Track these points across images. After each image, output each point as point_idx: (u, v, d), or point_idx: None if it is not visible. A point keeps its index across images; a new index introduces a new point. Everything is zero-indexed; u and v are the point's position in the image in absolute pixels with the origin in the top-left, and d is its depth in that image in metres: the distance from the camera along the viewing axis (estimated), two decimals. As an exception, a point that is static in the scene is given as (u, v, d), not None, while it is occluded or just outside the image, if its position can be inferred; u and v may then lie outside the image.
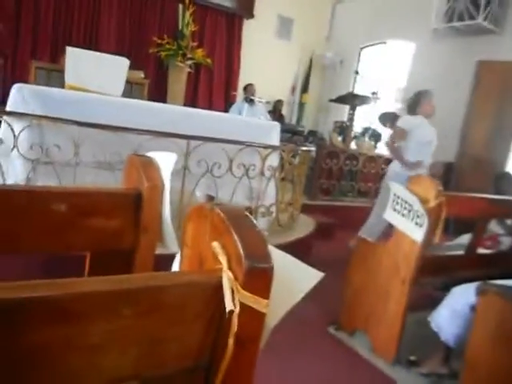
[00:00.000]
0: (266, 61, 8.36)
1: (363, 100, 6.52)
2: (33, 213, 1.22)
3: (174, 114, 3.33)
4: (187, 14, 7.28)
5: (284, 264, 0.70)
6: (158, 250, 1.28)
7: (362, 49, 8.72)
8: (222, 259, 0.66)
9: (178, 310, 0.63)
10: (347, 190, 5.75)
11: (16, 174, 2.69)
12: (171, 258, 1.07)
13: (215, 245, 0.68)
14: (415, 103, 3.97)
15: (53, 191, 1.19)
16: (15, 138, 2.58)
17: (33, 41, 6.38)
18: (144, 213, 1.23)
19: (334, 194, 5.62)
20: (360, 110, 6.80)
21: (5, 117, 2.67)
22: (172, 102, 6.72)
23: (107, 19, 6.88)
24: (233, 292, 0.64)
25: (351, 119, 6.44)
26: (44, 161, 2.67)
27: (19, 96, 2.76)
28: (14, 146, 2.58)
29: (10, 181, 2.66)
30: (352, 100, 6.39)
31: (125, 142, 2.58)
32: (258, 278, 0.65)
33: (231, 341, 0.63)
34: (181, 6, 7.27)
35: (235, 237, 0.65)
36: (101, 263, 1.32)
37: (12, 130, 2.59)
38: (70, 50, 4.17)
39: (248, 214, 0.73)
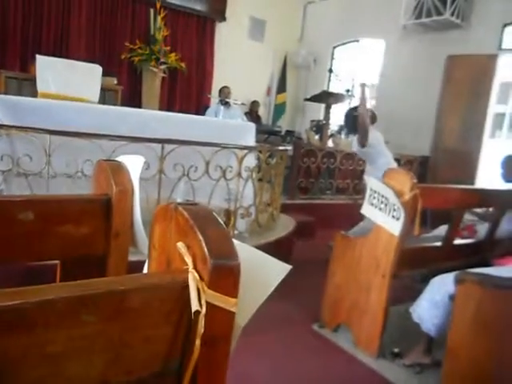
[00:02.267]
0: (240, 63, 8.37)
1: (338, 98, 6.57)
2: (0, 222, 1.18)
3: (149, 119, 3.29)
4: (158, 18, 7.23)
5: (250, 259, 0.70)
6: (134, 257, 1.27)
7: (334, 47, 8.80)
8: (187, 259, 0.65)
9: (143, 314, 0.62)
10: (325, 188, 5.78)
11: (-14, 187, 2.62)
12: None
13: (180, 245, 0.67)
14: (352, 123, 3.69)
15: (19, 200, 1.16)
16: (-16, 149, 2.52)
17: (1, 50, 6.25)
18: (114, 218, 1.21)
19: (312, 192, 5.64)
20: (335, 108, 6.85)
21: (-27, 128, 2.61)
22: (147, 107, 6.67)
23: (77, 25, 6.78)
24: (199, 292, 0.63)
25: (327, 117, 6.49)
26: (16, 172, 2.61)
27: (-14, 106, 2.69)
28: (-18, 158, 2.52)
29: (-20, 194, 2.59)
30: (327, 98, 6.43)
31: (98, 150, 2.54)
32: (225, 277, 0.64)
33: (198, 342, 0.62)
34: (152, 11, 7.22)
35: (199, 236, 0.64)
36: (72, 271, 1.29)
37: (-20, 141, 2.53)
38: (40, 58, 4.10)
39: (214, 213, 0.72)
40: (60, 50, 6.56)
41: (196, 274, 0.63)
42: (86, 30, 6.88)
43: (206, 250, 0.62)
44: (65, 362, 0.59)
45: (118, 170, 1.17)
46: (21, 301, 0.55)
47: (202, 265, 0.64)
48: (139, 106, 6.74)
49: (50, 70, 4.07)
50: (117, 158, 1.19)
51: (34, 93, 4.03)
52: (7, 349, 0.53)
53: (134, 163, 1.16)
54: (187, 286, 0.64)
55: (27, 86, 5.01)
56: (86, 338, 0.59)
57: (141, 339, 0.64)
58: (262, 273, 0.72)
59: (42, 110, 2.84)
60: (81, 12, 6.82)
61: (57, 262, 1.30)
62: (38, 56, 4.20)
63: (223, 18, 8.24)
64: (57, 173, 2.62)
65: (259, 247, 0.74)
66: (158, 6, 7.20)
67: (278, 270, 0.72)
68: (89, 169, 2.49)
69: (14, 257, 1.27)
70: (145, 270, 1.01)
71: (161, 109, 6.79)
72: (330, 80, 8.74)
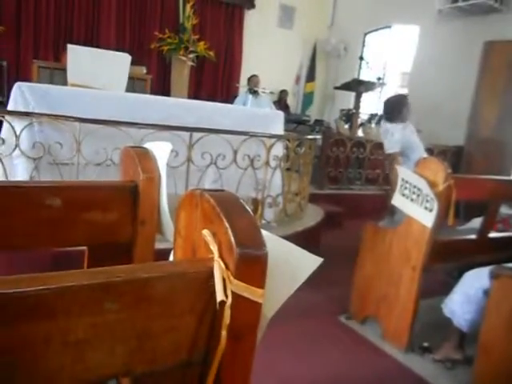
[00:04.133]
0: (269, 51, 8.28)
1: (369, 86, 6.42)
2: (28, 208, 1.19)
3: (177, 107, 3.29)
4: (188, 7, 7.22)
5: (280, 250, 0.67)
6: (161, 244, 1.26)
7: (366, 34, 8.59)
8: (213, 247, 0.63)
9: (166, 303, 0.60)
10: (355, 178, 5.68)
11: (19, 174, 2.68)
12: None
13: (206, 233, 0.65)
14: (397, 111, 3.54)
15: (47, 186, 1.16)
16: (17, 137, 2.56)
17: (34, 40, 6.38)
18: (141, 205, 1.20)
19: (341, 182, 5.56)
20: (366, 97, 6.70)
21: (6, 116, 2.66)
22: (175, 96, 6.68)
23: (107, 15, 6.84)
24: (225, 282, 0.60)
25: (357, 106, 6.35)
26: (47, 159, 2.65)
27: (19, 94, 2.74)
28: (15, 146, 2.57)
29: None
30: (357, 86, 6.29)
31: (127, 138, 2.55)
32: (251, 266, 0.61)
33: (224, 333, 0.60)
34: (181, 0, 7.21)
35: (225, 223, 0.61)
36: (99, 257, 1.29)
37: (13, 129, 2.57)
38: (71, 47, 4.15)
39: (241, 200, 0.70)
40: (91, 40, 6.64)
41: (222, 263, 0.61)
42: (115, 20, 6.94)
43: (232, 238, 0.60)
44: (87, 350, 0.58)
45: (145, 157, 1.16)
46: (42, 287, 0.54)
47: (227, 253, 0.61)
48: (168, 95, 6.77)
49: (80, 59, 4.12)
50: (144, 145, 1.18)
51: (64, 82, 4.09)
52: (29, 335, 0.52)
53: (161, 150, 1.14)
54: (212, 275, 0.62)
55: (58, 75, 5.08)
56: (108, 326, 0.57)
57: (164, 328, 0.62)
58: (291, 264, 0.69)
59: (72, 98, 2.87)
60: (111, 2, 6.87)
61: (84, 248, 1.31)
62: (68, 46, 4.26)
63: (252, 6, 8.16)
64: (87, 161, 2.64)
65: (286, 237, 0.71)
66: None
67: (308, 262, 0.69)
68: (117, 157, 2.50)
69: (41, 242, 1.28)
70: (171, 258, 0.99)
71: (189, 97, 6.80)
72: (360, 68, 8.55)
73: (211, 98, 7.53)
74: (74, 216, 1.20)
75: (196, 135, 2.81)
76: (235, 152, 2.98)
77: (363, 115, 6.93)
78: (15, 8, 6.19)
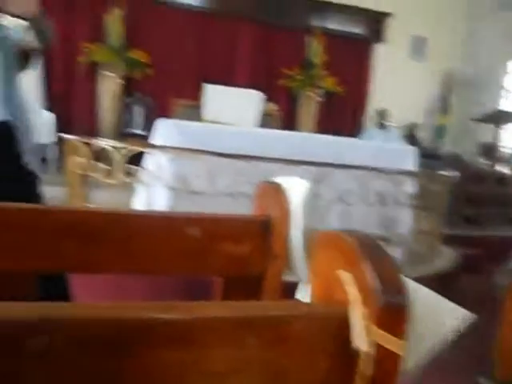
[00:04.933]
0: (399, 83, 8.06)
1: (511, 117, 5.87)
2: (170, 236, 1.29)
3: (305, 142, 3.35)
4: (316, 43, 7.41)
5: (423, 300, 0.62)
6: (286, 277, 1.26)
7: (507, 62, 7.92)
8: (352, 291, 0.60)
9: (302, 343, 0.59)
10: (496, 218, 5.15)
11: (160, 202, 2.94)
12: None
13: (344, 275, 0.63)
14: None
15: (188, 217, 1.25)
16: (159, 168, 2.83)
17: (176, 81, 7.06)
18: (273, 239, 1.22)
19: (479, 222, 5.08)
20: (508, 129, 6.11)
21: (150, 149, 2.96)
22: (303, 130, 6.84)
23: (241, 55, 7.32)
24: (363, 329, 0.57)
25: (498, 139, 5.82)
26: (184, 189, 2.87)
27: (163, 130, 3.04)
28: (158, 177, 2.83)
29: (154, 208, 2.91)
30: (498, 118, 5.79)
31: (257, 171, 2.65)
32: (394, 315, 0.57)
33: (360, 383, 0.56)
34: (309, 38, 7.44)
35: (367, 267, 0.59)
36: (231, 288, 1.33)
37: (157, 161, 2.84)
38: (206, 86, 4.52)
39: (381, 243, 0.67)
40: (225, 78, 7.14)
41: (362, 309, 0.58)
42: (249, 59, 7.39)
43: (374, 283, 0.57)
44: (222, 382, 0.58)
45: (279, 192, 1.18)
46: (185, 316, 0.57)
47: (367, 299, 0.58)
48: (296, 130, 6.94)
49: (215, 97, 4.46)
50: (279, 181, 1.20)
51: (199, 119, 4.44)
52: (165, 362, 0.54)
53: (297, 186, 1.15)
54: (349, 320, 0.59)
55: (194, 112, 5.55)
56: (247, 361, 0.58)
57: (296, 369, 0.61)
58: (437, 317, 0.63)
59: (209, 133, 3.09)
60: (245, 41, 7.35)
61: (216, 278, 1.37)
62: (205, 85, 4.65)
63: (381, 39, 8.08)
64: (219, 192, 2.80)
65: (416, 280, 0.65)
66: (316, 32, 7.39)
67: (455, 316, 0.62)
68: (248, 189, 2.61)
69: (179, 270, 1.37)
70: (299, 296, 0.98)
71: (317, 132, 6.89)
72: (500, 98, 7.87)
73: (339, 132, 7.54)
74: (211, 246, 1.26)
75: (324, 170, 2.81)
76: (363, 188, 2.92)
77: (505, 149, 6.32)
78: (162, 53, 6.96)
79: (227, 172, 2.76)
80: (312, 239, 1.00)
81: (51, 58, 6.54)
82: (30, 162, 1.84)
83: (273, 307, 0.59)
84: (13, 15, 1.59)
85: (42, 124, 5.82)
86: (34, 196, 1.91)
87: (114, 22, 6.36)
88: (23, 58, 1.84)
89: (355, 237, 0.64)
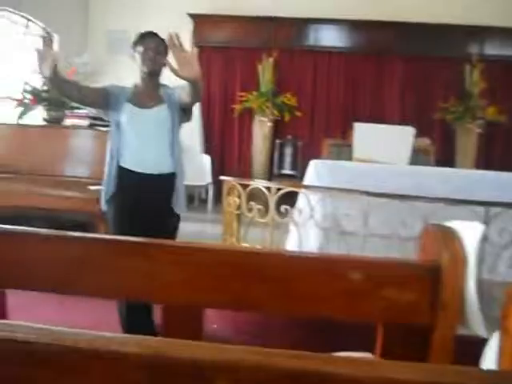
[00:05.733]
0: None
1: None
2: (330, 278, 1.26)
3: (465, 179, 3.08)
4: (475, 72, 6.88)
5: None
6: (459, 331, 1.13)
7: None
8: None
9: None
10: None
11: (311, 242, 2.95)
12: (474, 341, 0.90)
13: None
14: None
15: (350, 259, 1.21)
16: (311, 208, 2.85)
17: (325, 121, 7.18)
18: (443, 288, 1.11)
19: None
20: None
21: (301, 189, 3.01)
22: (461, 166, 6.30)
23: (390, 92, 7.15)
24: None
25: None
26: (335, 230, 2.84)
27: (314, 170, 3.08)
28: (310, 216, 2.85)
29: (305, 248, 2.92)
30: None
31: (414, 211, 2.50)
32: None
33: None
34: (468, 66, 6.95)
35: None
36: (392, 338, 1.25)
37: (308, 201, 2.87)
38: (357, 125, 4.50)
39: None
40: (375, 116, 7.03)
41: None
42: (398, 95, 7.18)
43: None
44: None
45: (450, 237, 1.08)
46: (366, 373, 0.53)
47: None
48: (452, 166, 6.44)
49: (365, 135, 4.41)
50: (449, 223, 1.11)
51: (350, 157, 4.42)
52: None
53: (469, 230, 1.05)
54: None
55: (345, 151, 5.54)
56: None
57: None
58: None
59: (361, 172, 3.04)
60: (393, 78, 7.18)
61: (375, 324, 1.29)
62: (355, 124, 4.63)
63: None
64: (372, 233, 2.70)
65: None
66: (474, 59, 6.87)
67: None
68: (403, 231, 2.47)
69: (337, 313, 1.32)
70: (488, 356, 0.87)
71: (477, 168, 6.29)
72: None
73: (504, 167, 6.78)
74: (373, 291, 1.20)
75: (493, 210, 2.53)
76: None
77: None
78: (310, 95, 7.18)
79: (380, 212, 2.66)
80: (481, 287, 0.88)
81: (210, 106, 7.24)
82: (179, 206, 2.19)
83: (475, 375, 0.52)
84: (182, 78, 1.87)
85: (201, 167, 6.41)
86: (174, 230, 2.29)
87: (265, 70, 6.80)
88: (183, 112, 2.16)
89: None
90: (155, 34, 2.21)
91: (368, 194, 2.67)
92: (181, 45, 1.83)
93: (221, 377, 0.51)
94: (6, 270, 1.40)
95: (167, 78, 2.08)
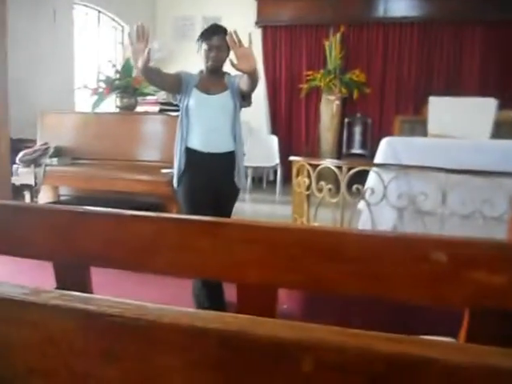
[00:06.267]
0: None
1: None
2: (410, 260, 1.20)
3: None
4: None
5: None
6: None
7: None
8: None
9: None
10: None
11: (383, 222, 2.84)
12: None
13: None
14: None
15: (433, 239, 1.14)
16: (384, 187, 2.74)
17: (396, 97, 6.87)
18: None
19: None
20: None
21: (374, 168, 2.90)
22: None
23: (469, 64, 6.68)
24: None
25: None
26: (411, 209, 2.71)
27: (387, 148, 2.95)
28: (383, 195, 2.74)
29: (378, 229, 2.82)
30: None
31: (498, 189, 2.33)
32: None
33: None
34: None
35: None
36: (480, 324, 1.17)
37: (381, 179, 2.76)
38: (433, 99, 4.23)
39: None
40: (451, 89, 6.61)
41: None
42: (479, 67, 6.69)
43: None
44: None
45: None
46: (461, 358, 0.48)
47: None
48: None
49: (441, 109, 4.13)
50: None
51: (425, 133, 4.18)
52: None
53: None
54: None
55: (418, 128, 5.26)
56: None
57: None
58: None
59: (437, 149, 2.87)
60: (471, 50, 6.69)
61: (461, 309, 1.21)
62: (430, 98, 4.35)
63: None
64: (452, 211, 2.56)
65: None
66: None
67: None
68: (488, 209, 2.31)
69: (417, 297, 1.26)
70: None
71: None
72: None
73: None
74: (459, 274, 1.13)
75: None
76: None
77: None
78: (380, 72, 6.88)
79: (461, 190, 2.50)
80: None
81: (276, 87, 7.18)
82: (240, 181, 2.42)
83: None
84: (240, 71, 2.11)
85: (268, 148, 6.40)
86: (232, 203, 2.51)
87: (332, 47, 6.60)
88: (242, 98, 2.37)
89: None
90: (218, 28, 2.32)
91: (447, 170, 2.51)
92: (239, 41, 2.03)
93: (306, 357, 0.49)
94: (89, 248, 1.47)
95: (229, 66, 2.17)
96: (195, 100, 2.33)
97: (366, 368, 0.48)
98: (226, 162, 2.37)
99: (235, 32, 2.05)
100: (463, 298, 1.16)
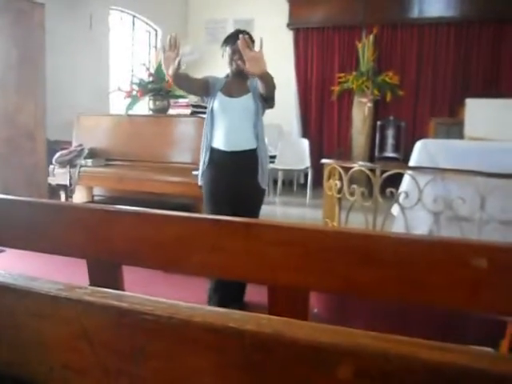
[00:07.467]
0: None
1: None
2: (449, 265, 1.15)
3: None
4: None
5: None
6: None
7: None
8: None
9: None
10: None
11: (418, 226, 2.76)
12: None
13: None
14: None
15: (472, 244, 1.09)
16: (420, 191, 2.66)
17: (431, 100, 6.70)
18: None
19: None
20: None
21: (409, 171, 2.82)
22: None
23: (508, 63, 6.44)
24: None
25: None
26: (446, 214, 2.63)
27: (423, 151, 2.87)
28: (418, 199, 2.66)
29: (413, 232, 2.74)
30: None
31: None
32: None
33: None
34: None
35: None
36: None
37: (417, 183, 2.69)
38: (469, 101, 4.11)
39: None
40: (488, 92, 6.40)
41: None
42: (517, 66, 6.46)
43: None
44: None
45: None
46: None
47: None
48: None
49: (479, 111, 4.00)
50: None
51: (461, 136, 4.05)
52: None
53: None
54: None
55: (454, 130, 5.11)
56: None
57: None
58: None
59: (475, 152, 2.77)
60: (510, 49, 6.46)
61: (503, 319, 1.16)
62: (467, 100, 4.22)
63: None
64: (490, 217, 2.46)
65: None
66: None
67: None
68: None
69: (457, 303, 1.21)
70: None
71: None
72: None
73: None
74: (500, 280, 1.07)
75: None
76: None
77: None
78: (415, 74, 6.73)
79: (500, 195, 2.40)
80: None
81: (307, 89, 7.13)
82: (263, 180, 2.48)
83: None
84: (249, 74, 2.25)
85: (299, 151, 6.36)
86: (260, 203, 2.56)
87: (365, 49, 6.51)
88: (264, 101, 2.46)
89: None
90: (241, 33, 2.38)
91: (485, 174, 2.42)
92: (249, 45, 2.17)
93: (345, 363, 0.47)
94: (121, 247, 1.48)
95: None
96: (219, 103, 2.46)
97: (410, 377, 0.45)
98: (249, 159, 2.45)
99: (248, 35, 2.24)
100: (506, 306, 1.11)
